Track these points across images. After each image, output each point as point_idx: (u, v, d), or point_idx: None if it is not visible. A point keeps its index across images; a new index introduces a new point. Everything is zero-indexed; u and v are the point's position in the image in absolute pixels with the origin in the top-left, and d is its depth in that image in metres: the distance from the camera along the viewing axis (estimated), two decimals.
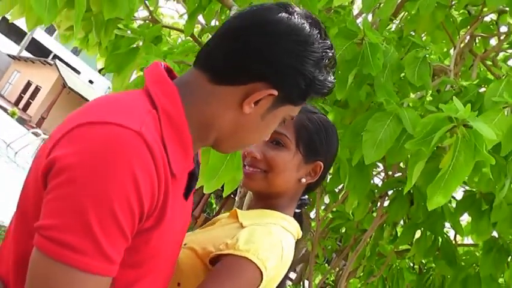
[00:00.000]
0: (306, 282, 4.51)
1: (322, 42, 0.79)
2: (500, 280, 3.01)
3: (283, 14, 0.77)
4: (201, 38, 3.45)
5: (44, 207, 0.67)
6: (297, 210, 1.18)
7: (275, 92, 0.77)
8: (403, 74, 2.36)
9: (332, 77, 0.84)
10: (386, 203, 3.18)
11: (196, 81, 0.78)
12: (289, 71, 0.76)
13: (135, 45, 2.31)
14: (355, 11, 3.79)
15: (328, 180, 3.10)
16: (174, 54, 2.79)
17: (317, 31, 0.79)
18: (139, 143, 0.68)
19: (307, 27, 0.78)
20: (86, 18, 1.90)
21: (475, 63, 2.47)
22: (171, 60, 2.02)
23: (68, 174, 0.65)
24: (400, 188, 3.07)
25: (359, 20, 3.49)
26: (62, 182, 0.66)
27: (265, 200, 1.13)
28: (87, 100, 24.87)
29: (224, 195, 1.97)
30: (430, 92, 2.60)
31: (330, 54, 0.81)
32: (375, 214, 3.41)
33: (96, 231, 0.64)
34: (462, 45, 2.52)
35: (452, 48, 2.83)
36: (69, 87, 24.14)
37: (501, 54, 2.92)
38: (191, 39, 3.44)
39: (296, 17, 0.77)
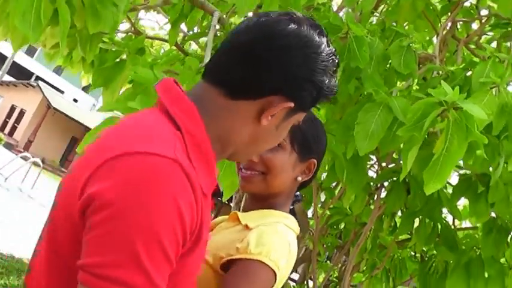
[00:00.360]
0: (310, 282, 4.51)
1: (329, 50, 0.82)
2: (502, 260, 3.04)
3: (292, 26, 0.78)
4: (183, 46, 3.46)
5: (87, 245, 0.66)
6: (290, 207, 1.21)
7: (292, 104, 0.79)
8: (388, 66, 2.39)
9: (336, 80, 0.87)
10: (383, 195, 3.20)
11: (210, 97, 0.79)
12: (303, 82, 0.78)
13: (121, 58, 2.30)
14: (334, 8, 3.82)
15: (324, 177, 3.11)
16: (159, 64, 2.80)
17: (324, 39, 0.82)
18: (178, 171, 0.68)
19: (316, 37, 0.80)
20: (70, 34, 1.90)
21: (459, 48, 2.50)
22: (159, 70, 2.02)
23: (111, 209, 0.64)
24: (395, 179, 3.10)
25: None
26: (106, 218, 0.64)
27: (263, 201, 1.14)
28: (73, 120, 24.72)
29: (224, 200, 1.97)
30: (416, 80, 2.63)
31: (336, 60, 0.84)
32: (372, 207, 3.43)
33: (146, 264, 0.64)
34: (444, 32, 2.55)
35: (435, 36, 2.87)
36: (54, 108, 23.98)
37: (484, 37, 2.96)
38: (175, 48, 3.44)
39: (305, 27, 0.79)
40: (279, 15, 0.80)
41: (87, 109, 31.42)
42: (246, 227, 1.05)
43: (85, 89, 31.66)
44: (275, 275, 0.97)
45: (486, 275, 2.98)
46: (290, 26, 0.78)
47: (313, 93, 0.81)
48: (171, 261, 0.68)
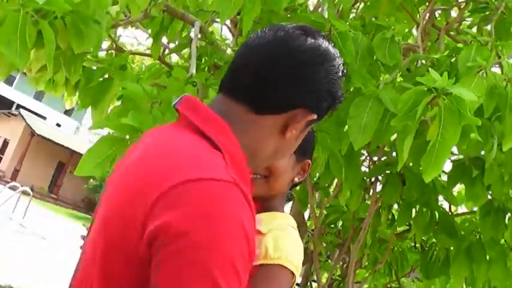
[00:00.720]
0: (314, 284, 4.50)
1: (340, 60, 0.85)
2: (501, 242, 3.07)
3: (310, 40, 0.79)
4: (164, 59, 3.45)
5: (164, 278, 0.64)
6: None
7: (315, 117, 0.81)
8: (372, 60, 2.40)
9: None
10: (378, 188, 3.22)
11: (236, 113, 0.79)
12: (324, 94, 0.81)
13: (107, 76, 2.29)
14: (311, 8, 3.85)
15: (318, 177, 3.11)
16: (144, 79, 2.79)
17: (337, 51, 0.85)
18: (239, 193, 0.69)
19: (332, 49, 0.82)
20: (54, 56, 1.88)
21: (441, 36, 2.53)
22: (147, 84, 2.01)
23: (186, 239, 0.63)
24: (389, 171, 3.12)
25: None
26: (181, 249, 0.63)
27: (262, 203, 1.15)
28: (58, 144, 24.47)
29: None
30: (400, 72, 2.65)
31: (344, 70, 0.87)
32: (368, 202, 3.44)
33: None
34: (424, 21, 2.58)
35: (415, 27, 2.90)
36: (38, 135, 23.74)
37: (464, 23, 3.00)
38: (158, 62, 3.44)
39: (320, 40, 0.81)
40: (294, 29, 0.81)
41: (71, 133, 31.15)
42: (258, 232, 1.06)
43: (67, 112, 31.39)
44: (293, 275, 1.01)
45: (488, 258, 3.01)
46: (308, 41, 0.79)
47: (330, 103, 0.84)
48: (242, 283, 0.68)
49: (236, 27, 3.64)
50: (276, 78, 0.77)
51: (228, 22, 4.06)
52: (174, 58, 4.48)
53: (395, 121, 1.66)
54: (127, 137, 1.63)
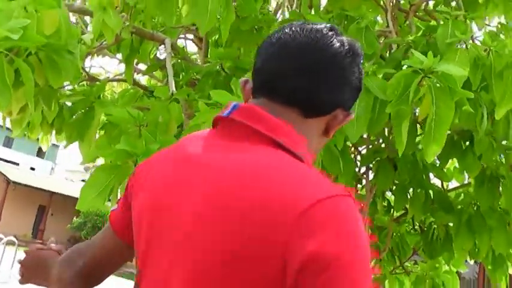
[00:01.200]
0: None
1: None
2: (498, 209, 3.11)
3: (343, 39, 0.80)
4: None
5: None
6: None
7: (353, 116, 0.83)
8: None
9: None
10: (370, 177, 3.23)
11: (290, 118, 0.78)
12: (355, 91, 0.82)
13: (89, 107, 2.24)
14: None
15: None
16: (121, 105, 2.75)
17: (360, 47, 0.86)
18: (355, 205, 0.69)
19: (357, 45, 0.83)
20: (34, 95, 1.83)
21: (410, 18, 2.57)
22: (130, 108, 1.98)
23: (341, 262, 0.62)
24: (379, 158, 3.14)
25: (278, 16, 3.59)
26: (337, 274, 0.62)
27: None
28: (36, 188, 23.91)
29: None
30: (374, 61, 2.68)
31: None
32: (361, 192, 3.45)
33: None
34: (391, 6, 2.62)
35: (380, 15, 2.94)
36: (14, 182, 23.15)
37: (431, 3, 3.05)
38: (130, 87, 3.39)
39: (347, 39, 0.81)
40: (327, 29, 0.81)
41: (47, 174, 30.48)
42: None
43: (40, 155, 30.73)
44: None
45: (488, 227, 3.05)
46: (343, 42, 0.80)
47: (356, 98, 0.85)
48: None
49: (201, 41, 3.63)
50: (323, 81, 0.77)
51: (191, 36, 4.05)
52: (142, 80, 4.44)
53: (390, 107, 1.66)
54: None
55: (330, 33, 0.80)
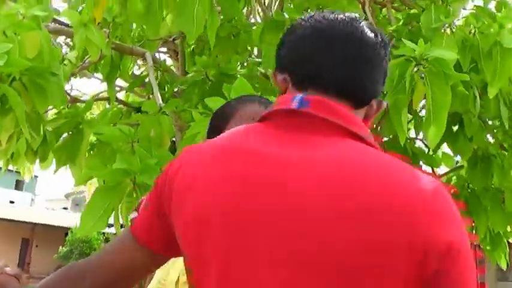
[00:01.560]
0: None
1: None
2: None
3: (374, 29, 0.79)
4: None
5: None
6: None
7: (385, 104, 0.81)
8: None
9: None
10: None
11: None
12: (384, 82, 0.83)
13: (74, 129, 2.17)
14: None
15: None
16: (108, 123, 2.69)
17: None
18: None
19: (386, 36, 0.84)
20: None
21: (388, 8, 2.59)
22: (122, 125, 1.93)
23: (463, 251, 0.65)
24: None
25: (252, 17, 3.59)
26: (463, 263, 0.65)
27: None
28: (18, 222, 23.34)
29: None
30: None
31: None
32: None
33: None
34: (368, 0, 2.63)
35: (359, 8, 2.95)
36: None
37: None
38: (111, 105, 3.33)
39: (375, 28, 0.81)
40: (362, 20, 0.79)
41: (27, 206, 29.80)
42: None
43: (18, 187, 30.05)
44: None
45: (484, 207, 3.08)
46: (374, 30, 0.79)
47: None
48: None
49: (176, 53, 3.60)
50: (368, 71, 0.77)
51: (164, 50, 4.02)
52: (119, 97, 4.39)
53: (388, 97, 1.66)
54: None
55: (362, 22, 0.79)
